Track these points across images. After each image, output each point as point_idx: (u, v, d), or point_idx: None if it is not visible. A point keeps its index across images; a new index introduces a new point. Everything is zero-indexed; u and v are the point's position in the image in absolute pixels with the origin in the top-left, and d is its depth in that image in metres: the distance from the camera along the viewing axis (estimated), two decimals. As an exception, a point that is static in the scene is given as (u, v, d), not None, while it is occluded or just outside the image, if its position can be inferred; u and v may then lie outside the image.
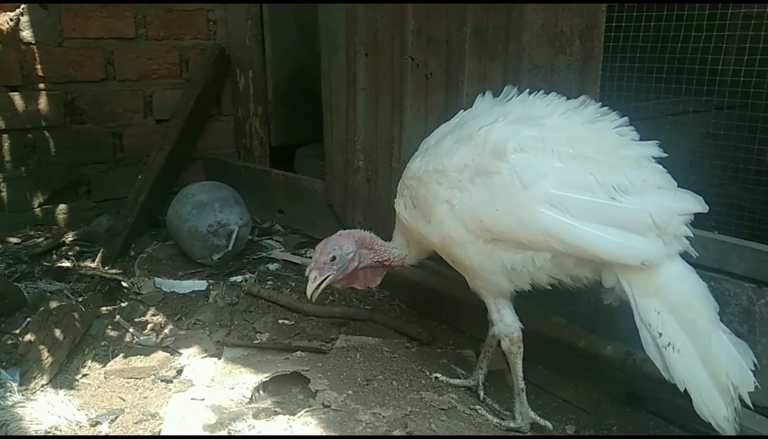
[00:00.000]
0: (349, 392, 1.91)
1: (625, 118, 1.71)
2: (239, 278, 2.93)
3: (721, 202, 2.08)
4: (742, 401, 1.55)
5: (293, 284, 2.87)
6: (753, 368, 1.55)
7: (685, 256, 1.64)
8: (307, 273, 2.03)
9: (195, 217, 2.98)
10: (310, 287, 1.99)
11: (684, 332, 1.55)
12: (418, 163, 1.89)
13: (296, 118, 4.06)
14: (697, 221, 1.65)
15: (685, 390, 1.54)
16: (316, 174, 3.39)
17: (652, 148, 1.66)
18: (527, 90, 1.88)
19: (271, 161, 4.05)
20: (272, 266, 3.09)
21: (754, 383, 1.54)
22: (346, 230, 2.11)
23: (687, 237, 1.60)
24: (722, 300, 1.84)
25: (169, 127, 3.71)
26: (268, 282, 2.92)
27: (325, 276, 1.99)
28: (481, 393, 2.03)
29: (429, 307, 2.62)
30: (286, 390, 2.03)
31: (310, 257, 2.95)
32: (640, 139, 1.70)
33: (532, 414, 1.88)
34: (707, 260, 1.88)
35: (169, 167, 3.62)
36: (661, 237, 1.56)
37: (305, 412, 1.83)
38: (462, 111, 1.99)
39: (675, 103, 2.63)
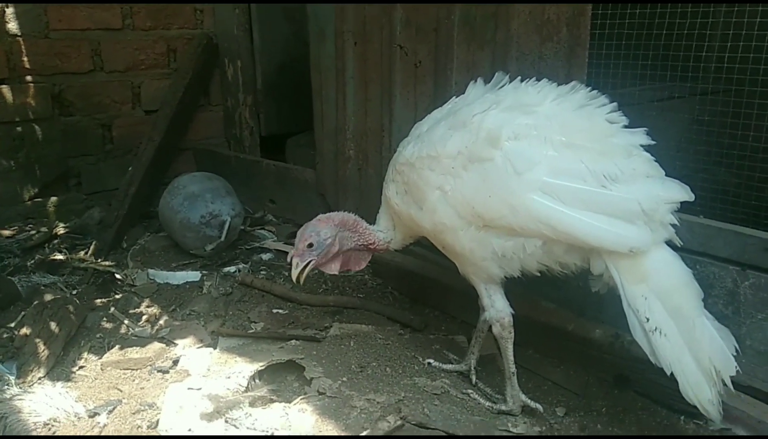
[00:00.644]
0: (344, 378, 1.95)
1: (614, 104, 1.74)
2: (232, 269, 2.96)
3: (707, 187, 2.12)
4: (725, 384, 1.60)
5: (286, 274, 2.89)
6: (734, 354, 1.59)
7: (670, 243, 1.68)
8: (288, 259, 2.05)
9: (187, 209, 2.99)
10: (294, 273, 2.01)
11: (670, 317, 1.58)
12: (411, 149, 1.89)
13: (286, 107, 4.06)
14: (684, 206, 1.69)
15: (672, 374, 1.58)
16: (307, 163, 3.40)
17: (640, 136, 1.69)
18: (519, 77, 1.89)
19: (261, 151, 4.05)
20: (265, 256, 3.11)
21: (736, 367, 1.58)
22: (327, 214, 2.10)
23: (673, 225, 1.63)
24: (707, 283, 1.88)
25: (158, 118, 3.70)
26: (262, 272, 2.94)
27: (306, 262, 2.01)
28: (473, 378, 2.07)
29: (421, 294, 2.66)
30: (281, 378, 2.06)
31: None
32: (629, 126, 1.72)
33: (523, 397, 1.92)
34: (693, 244, 1.92)
35: (159, 158, 3.62)
36: (649, 225, 1.59)
37: (301, 399, 1.86)
38: (454, 97, 2.01)
39: (661, 89, 2.66)
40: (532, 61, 2.18)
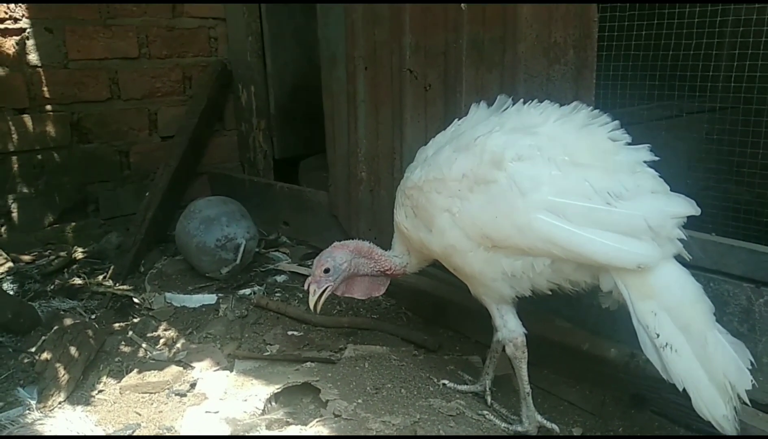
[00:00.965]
0: (359, 400, 1.96)
1: (617, 122, 1.76)
2: (248, 291, 2.99)
3: (718, 205, 2.12)
4: (741, 399, 1.58)
5: (301, 296, 2.92)
6: (750, 367, 1.58)
7: (679, 258, 1.68)
8: (306, 287, 2.10)
9: (203, 232, 3.03)
10: (311, 300, 2.06)
11: (681, 332, 1.58)
12: (418, 173, 1.92)
13: (299, 130, 4.13)
14: (696, 224, 1.70)
15: (684, 390, 1.57)
16: (320, 186, 3.44)
17: (644, 153, 1.71)
18: (522, 100, 1.92)
19: (275, 174, 4.12)
20: (280, 278, 3.14)
21: (751, 381, 1.57)
22: (342, 241, 2.15)
23: (680, 239, 1.64)
24: (722, 300, 1.88)
25: (174, 144, 3.78)
26: (276, 294, 2.97)
27: (323, 288, 2.06)
28: (489, 398, 2.07)
29: (435, 314, 2.66)
30: (297, 401, 2.07)
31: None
32: (635, 143, 1.74)
33: (539, 417, 1.91)
34: (706, 262, 1.91)
35: (176, 183, 3.68)
36: (656, 240, 1.60)
37: (317, 422, 1.87)
38: (457, 120, 2.04)
39: (669, 108, 2.68)
40: (540, 83, 2.21)
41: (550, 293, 1.82)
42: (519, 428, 1.91)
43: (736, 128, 2.27)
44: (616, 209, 1.61)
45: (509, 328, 1.87)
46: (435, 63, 2.56)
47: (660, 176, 1.69)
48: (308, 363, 2.25)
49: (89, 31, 3.56)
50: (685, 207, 1.62)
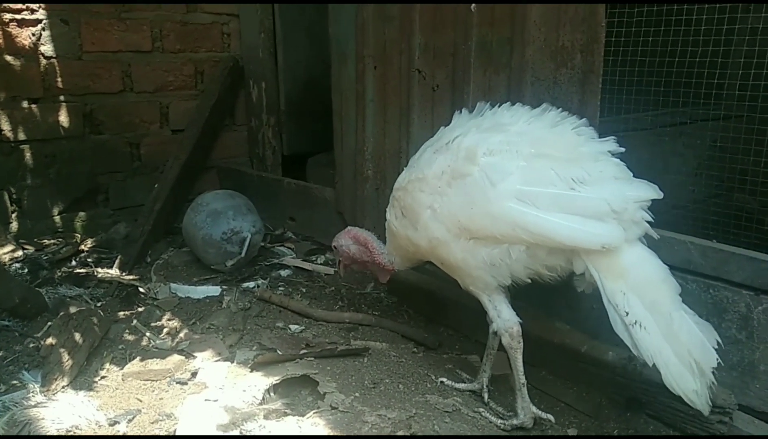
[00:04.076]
0: (356, 394, 1.98)
1: (584, 120, 1.86)
2: (252, 284, 3.01)
3: (722, 212, 2.12)
4: (711, 380, 1.63)
5: (304, 290, 2.95)
6: (716, 347, 1.63)
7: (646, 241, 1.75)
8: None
9: (209, 225, 3.07)
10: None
11: (648, 311, 1.64)
12: (404, 175, 2.07)
13: (308, 127, 4.15)
14: (699, 230, 1.72)
15: (654, 365, 1.62)
16: (327, 182, 3.47)
17: (609, 144, 1.80)
18: (498, 104, 2.02)
19: (283, 170, 4.15)
20: (284, 273, 3.17)
21: (717, 359, 1.62)
22: (353, 228, 2.43)
23: (648, 222, 1.70)
24: (721, 307, 1.89)
25: (184, 137, 3.82)
26: (280, 288, 2.99)
27: (338, 259, 2.47)
28: (485, 396, 2.09)
29: (436, 313, 2.68)
30: (295, 392, 2.09)
31: (321, 264, 3.13)
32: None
33: (534, 409, 1.93)
34: (706, 268, 1.93)
35: (184, 176, 3.73)
36: (621, 223, 1.67)
37: (314, 413, 1.89)
38: (442, 127, 2.14)
39: (676, 114, 2.68)
40: (546, 86, 2.23)
41: (529, 281, 1.88)
42: (515, 421, 1.93)
43: (741, 136, 2.28)
44: (579, 193, 1.70)
45: (503, 318, 1.91)
46: (443, 64, 2.58)
47: (626, 165, 1.77)
48: (308, 357, 2.27)
49: (104, 24, 3.61)
50: (647, 191, 1.69)
